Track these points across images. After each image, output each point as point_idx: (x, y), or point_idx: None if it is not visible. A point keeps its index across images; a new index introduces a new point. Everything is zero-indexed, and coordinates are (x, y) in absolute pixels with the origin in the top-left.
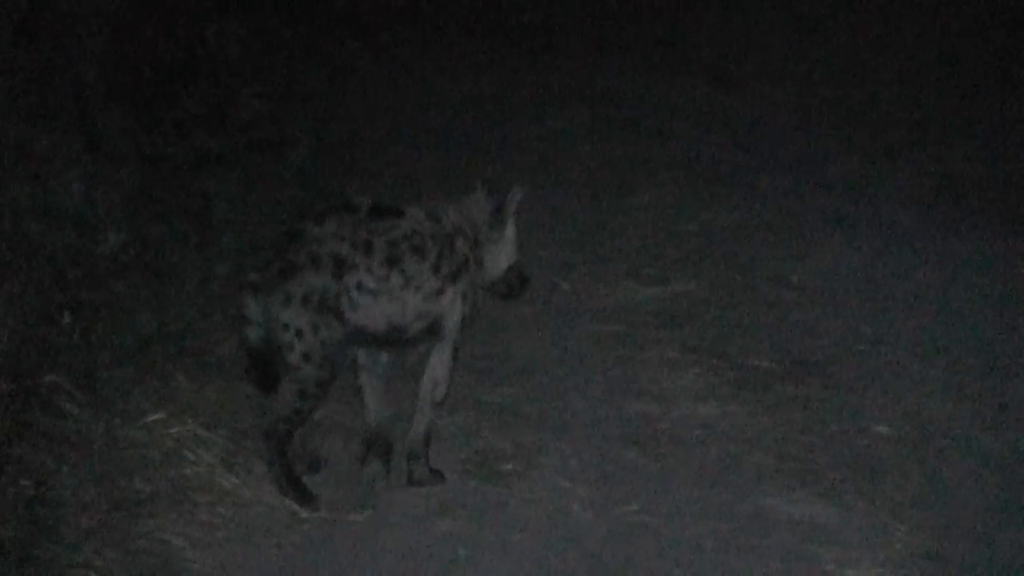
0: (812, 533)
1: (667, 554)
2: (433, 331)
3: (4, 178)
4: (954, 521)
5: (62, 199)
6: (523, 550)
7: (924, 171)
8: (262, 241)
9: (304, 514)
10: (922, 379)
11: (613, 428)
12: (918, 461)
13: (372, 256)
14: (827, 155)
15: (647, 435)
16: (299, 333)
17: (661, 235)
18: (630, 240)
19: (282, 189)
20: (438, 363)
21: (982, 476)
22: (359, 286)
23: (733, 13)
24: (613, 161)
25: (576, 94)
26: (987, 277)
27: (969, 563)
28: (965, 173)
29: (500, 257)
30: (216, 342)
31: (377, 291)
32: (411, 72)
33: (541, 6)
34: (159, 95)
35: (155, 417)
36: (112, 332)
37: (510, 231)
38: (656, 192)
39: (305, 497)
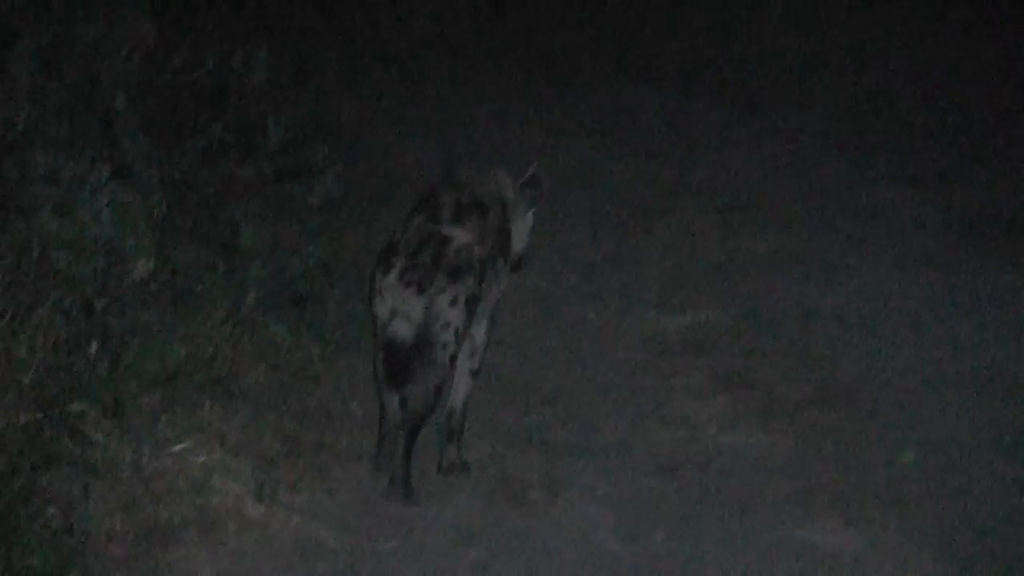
0: (839, 561)
1: None
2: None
3: (32, 207)
4: (980, 549)
5: (90, 227)
6: None
7: (953, 200)
8: (291, 269)
9: (332, 542)
10: (948, 407)
11: (640, 456)
12: (944, 489)
13: (493, 260)
14: (854, 183)
15: (674, 463)
16: (457, 332)
17: (688, 263)
18: (657, 268)
19: (310, 217)
20: (479, 335)
21: (1008, 504)
22: (485, 289)
23: (759, 40)
24: (640, 188)
25: (603, 121)
26: (1012, 307)
27: None
28: (994, 203)
29: (524, 233)
30: (244, 371)
31: (490, 292)
32: (438, 100)
33: (568, 34)
34: (187, 123)
35: (183, 446)
36: (140, 360)
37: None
38: (683, 219)
39: (411, 491)
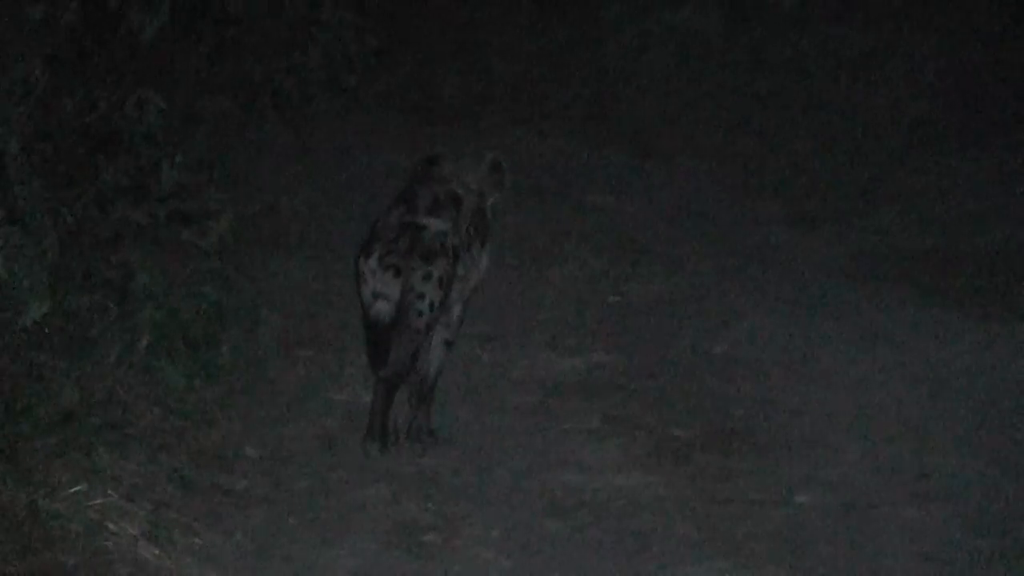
0: None
1: None
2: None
3: None
4: None
5: None
6: None
7: (845, 242)
8: (184, 313)
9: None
10: (843, 449)
11: (535, 498)
12: (839, 531)
13: (468, 247)
14: (748, 226)
15: (569, 505)
16: (432, 304)
17: (582, 306)
18: (550, 311)
19: (203, 261)
20: (455, 311)
21: (903, 545)
22: (461, 271)
23: (655, 85)
24: (534, 232)
25: None
26: (906, 347)
27: None
28: (886, 244)
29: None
30: (138, 414)
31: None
32: (332, 145)
33: (459, 79)
34: (80, 167)
35: (77, 489)
36: (34, 404)
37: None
38: (577, 263)
39: (386, 441)
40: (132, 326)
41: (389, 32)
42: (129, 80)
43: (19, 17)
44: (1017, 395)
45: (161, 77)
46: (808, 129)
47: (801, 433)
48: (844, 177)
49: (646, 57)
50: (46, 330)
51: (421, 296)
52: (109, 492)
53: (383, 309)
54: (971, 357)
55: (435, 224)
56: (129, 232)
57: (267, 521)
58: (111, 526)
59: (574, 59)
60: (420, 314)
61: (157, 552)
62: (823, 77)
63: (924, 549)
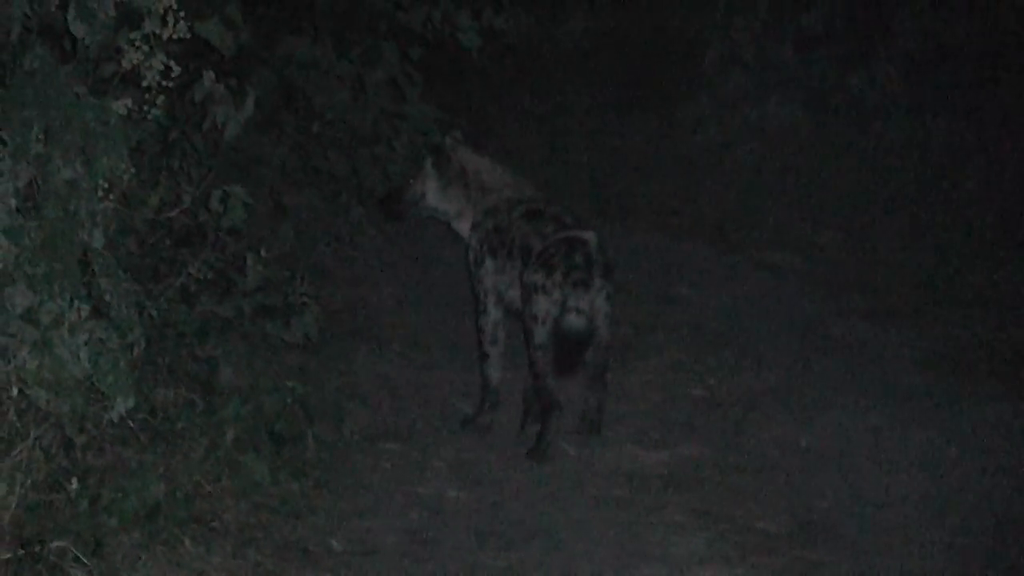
0: None
1: None
2: None
3: (11, 345)
4: None
5: (69, 365)
6: None
7: (929, 335)
8: (269, 407)
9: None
10: (929, 542)
11: None
12: None
13: None
14: (832, 319)
15: None
16: (608, 319)
17: (667, 399)
18: (635, 404)
19: (288, 355)
20: None
21: None
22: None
23: (740, 178)
24: (619, 326)
25: None
26: (993, 441)
27: None
28: (970, 337)
29: None
30: (224, 508)
31: None
32: (416, 237)
33: (547, 171)
34: (165, 261)
35: None
36: (119, 498)
37: None
38: (662, 357)
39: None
40: (218, 420)
41: (473, 124)
42: (213, 174)
43: (104, 111)
44: None
45: (246, 170)
46: (893, 222)
47: (888, 526)
48: (929, 270)
49: (731, 150)
50: (132, 424)
51: (607, 316)
52: None
53: (578, 322)
54: None
55: (590, 236)
56: (215, 326)
57: None
58: None
59: (658, 152)
60: (600, 332)
61: None
62: (908, 170)
63: None
